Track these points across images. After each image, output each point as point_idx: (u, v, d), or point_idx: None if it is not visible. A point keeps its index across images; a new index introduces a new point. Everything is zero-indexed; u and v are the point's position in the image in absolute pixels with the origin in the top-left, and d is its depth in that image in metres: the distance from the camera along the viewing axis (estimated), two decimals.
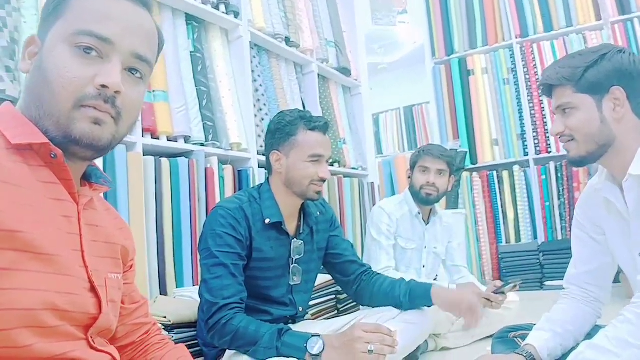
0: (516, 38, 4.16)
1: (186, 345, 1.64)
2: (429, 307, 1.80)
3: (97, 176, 0.88)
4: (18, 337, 0.66)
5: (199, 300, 1.58)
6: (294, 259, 1.75)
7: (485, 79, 4.30)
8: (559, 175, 3.90)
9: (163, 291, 2.08)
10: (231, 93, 2.66)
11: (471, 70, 4.34)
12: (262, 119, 2.81)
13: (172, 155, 2.26)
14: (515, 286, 2.25)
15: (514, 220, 4.07)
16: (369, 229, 2.62)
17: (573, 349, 1.23)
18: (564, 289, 1.52)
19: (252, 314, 1.57)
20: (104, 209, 0.92)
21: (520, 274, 3.67)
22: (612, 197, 1.30)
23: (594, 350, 1.14)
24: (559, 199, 3.87)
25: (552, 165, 3.93)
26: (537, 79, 3.95)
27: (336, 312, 2.46)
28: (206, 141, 2.40)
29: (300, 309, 1.80)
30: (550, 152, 3.97)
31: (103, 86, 0.75)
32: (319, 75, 3.52)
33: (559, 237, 3.84)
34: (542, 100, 3.98)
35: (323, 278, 2.30)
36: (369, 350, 1.32)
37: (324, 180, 1.71)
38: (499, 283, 2.28)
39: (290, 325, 1.73)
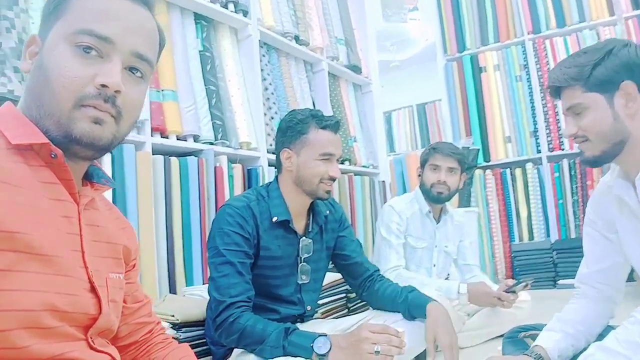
0: (528, 34, 4.12)
1: (194, 344, 1.68)
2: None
3: (99, 176, 0.88)
4: (16, 338, 0.65)
5: (208, 298, 1.58)
6: (302, 258, 1.74)
7: (497, 75, 4.27)
8: (573, 172, 3.86)
9: (172, 290, 2.09)
10: (240, 92, 2.66)
11: (483, 67, 4.31)
12: (272, 118, 2.81)
13: (182, 154, 2.27)
14: (526, 285, 2.22)
15: (527, 218, 4.04)
16: (378, 228, 2.60)
17: (585, 349, 1.21)
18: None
19: (260, 312, 1.57)
20: (106, 208, 0.92)
21: (533, 273, 3.64)
22: (624, 195, 1.27)
23: (604, 352, 1.11)
24: (572, 196, 3.83)
25: (565, 162, 3.89)
26: None
27: (346, 310, 2.45)
28: (215, 140, 2.40)
29: (309, 308, 1.79)
30: (564, 149, 3.93)
31: (103, 85, 0.75)
32: (329, 73, 3.51)
33: (573, 236, 3.81)
34: None
35: (333, 277, 2.29)
36: (375, 351, 1.31)
37: (334, 179, 1.71)
38: (510, 282, 2.26)
39: (299, 325, 1.72)
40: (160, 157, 2.11)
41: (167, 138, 2.21)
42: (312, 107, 3.13)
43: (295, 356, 1.35)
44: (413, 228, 2.56)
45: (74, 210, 0.79)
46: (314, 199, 1.75)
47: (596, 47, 1.23)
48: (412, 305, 1.69)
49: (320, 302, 2.21)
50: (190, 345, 1.63)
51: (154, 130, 2.14)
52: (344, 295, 2.45)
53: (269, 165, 2.66)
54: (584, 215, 1.49)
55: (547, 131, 4.00)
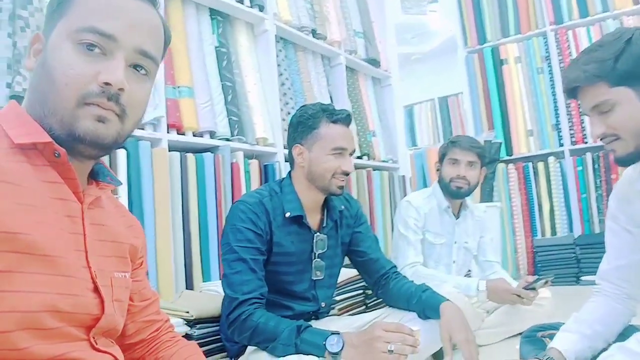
0: (550, 25, 4.03)
1: (209, 341, 1.68)
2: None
3: (105, 174, 0.87)
4: (17, 339, 0.65)
5: (224, 294, 1.58)
6: (317, 254, 1.73)
7: (519, 68, 4.20)
8: (596, 166, 3.77)
9: (189, 285, 2.11)
10: (257, 87, 2.65)
11: (504, 60, 4.24)
12: (289, 113, 2.80)
13: (198, 150, 2.27)
14: (547, 282, 2.18)
15: (550, 212, 3.97)
16: (396, 224, 2.57)
17: (604, 349, 1.17)
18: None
19: (274, 309, 1.56)
20: (113, 206, 0.91)
21: (555, 268, 3.58)
22: None
23: (625, 354, 1.08)
24: (596, 190, 3.75)
25: (588, 156, 3.81)
26: None
27: (364, 307, 2.43)
28: (232, 136, 2.40)
29: (323, 305, 1.78)
30: (587, 142, 3.85)
31: (106, 83, 0.74)
32: (347, 67, 3.48)
33: (596, 231, 3.73)
34: None
35: (351, 273, 2.27)
36: (389, 350, 1.29)
37: (347, 174, 1.69)
38: (530, 278, 2.22)
39: (313, 321, 1.71)
40: (177, 154, 2.12)
41: (184, 135, 2.21)
42: (329, 102, 3.11)
43: (308, 354, 1.34)
44: (431, 224, 2.52)
45: (78, 210, 0.78)
46: (327, 195, 1.73)
47: (611, 39, 1.16)
48: (426, 306, 1.67)
49: (337, 298, 2.20)
50: (204, 342, 1.67)
51: (170, 127, 2.14)
52: (361, 291, 2.43)
53: (285, 161, 2.65)
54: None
55: (570, 124, 3.91)
